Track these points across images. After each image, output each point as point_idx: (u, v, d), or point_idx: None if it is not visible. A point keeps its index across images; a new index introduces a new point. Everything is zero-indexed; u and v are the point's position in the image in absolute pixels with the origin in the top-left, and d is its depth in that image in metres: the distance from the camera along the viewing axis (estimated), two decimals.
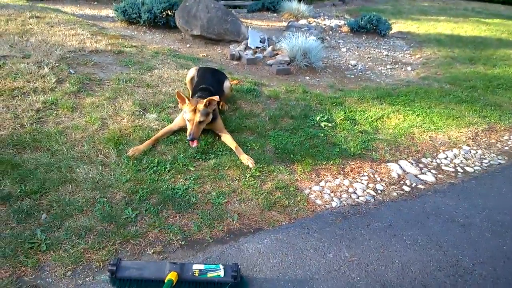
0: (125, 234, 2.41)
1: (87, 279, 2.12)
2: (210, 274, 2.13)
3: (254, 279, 2.26)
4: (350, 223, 2.89)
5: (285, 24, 9.13)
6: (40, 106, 3.53)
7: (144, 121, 3.58)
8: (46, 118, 3.42)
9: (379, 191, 3.31)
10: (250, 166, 3.27)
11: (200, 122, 3.25)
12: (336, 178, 3.40)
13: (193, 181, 2.95)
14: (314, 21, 9.79)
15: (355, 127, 4.26)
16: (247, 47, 6.27)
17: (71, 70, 4.25)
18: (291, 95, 4.83)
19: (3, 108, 3.43)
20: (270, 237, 2.62)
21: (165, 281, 2.00)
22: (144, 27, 6.66)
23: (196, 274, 2.11)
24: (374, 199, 3.21)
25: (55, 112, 3.51)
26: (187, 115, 3.24)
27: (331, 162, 3.55)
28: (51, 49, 4.66)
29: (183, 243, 2.46)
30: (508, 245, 2.76)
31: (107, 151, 3.09)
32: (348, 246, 2.63)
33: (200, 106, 3.26)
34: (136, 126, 3.48)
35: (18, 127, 3.24)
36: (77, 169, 2.84)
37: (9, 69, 3.99)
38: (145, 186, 2.80)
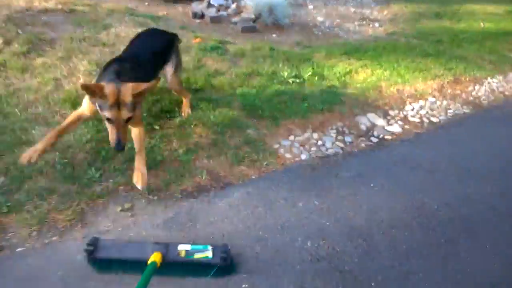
0: (89, 193, 2.41)
1: (53, 238, 2.13)
2: (197, 255, 2.03)
3: (225, 231, 2.34)
4: (319, 174, 3.00)
5: None
6: None
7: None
8: None
9: (347, 143, 3.44)
10: (138, 186, 2.33)
11: (128, 120, 2.17)
12: (305, 132, 3.50)
13: (158, 139, 2.94)
14: None
15: (323, 82, 4.34)
16: (209, 5, 6.10)
17: (19, 31, 4.02)
18: (258, 53, 4.80)
19: None
20: (240, 191, 2.69)
21: (148, 263, 1.86)
22: None
23: (182, 255, 2.01)
24: (343, 151, 3.34)
25: (4, 73, 3.35)
26: (108, 112, 2.09)
27: (300, 116, 3.63)
28: None
29: (152, 198, 2.49)
30: (471, 188, 2.97)
31: (64, 112, 3.00)
32: (317, 195, 2.75)
33: (127, 96, 2.08)
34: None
35: None
36: (33, 131, 2.76)
37: None
38: (107, 146, 2.77)
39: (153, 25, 4.90)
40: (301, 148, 3.30)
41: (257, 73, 4.24)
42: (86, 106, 2.41)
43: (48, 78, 3.35)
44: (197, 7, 5.93)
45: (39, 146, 2.26)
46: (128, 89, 2.09)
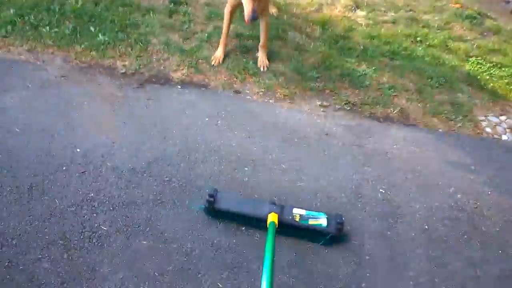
0: (305, 85, 3.14)
1: (271, 100, 2.98)
2: (311, 222, 2.02)
3: (388, 153, 2.69)
4: (510, 156, 2.87)
5: None
6: None
7: (352, 15, 4.08)
8: None
9: None
10: (261, 69, 3.19)
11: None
12: None
13: (373, 70, 3.38)
14: None
15: None
16: None
17: None
18: None
19: None
20: (421, 133, 2.95)
21: (268, 223, 1.93)
22: None
23: (297, 219, 2.02)
24: None
25: None
26: None
27: None
28: None
29: (345, 107, 3.03)
30: None
31: (315, 27, 3.78)
32: (496, 169, 2.71)
33: None
34: (344, 16, 4.02)
35: None
36: (289, 33, 3.63)
37: None
38: (332, 60, 3.39)
39: None
40: (508, 130, 3.14)
41: (502, 52, 3.97)
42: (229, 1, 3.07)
43: (315, 1, 4.17)
44: None
45: (220, 54, 3.20)
46: None
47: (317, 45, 3.55)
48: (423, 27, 4.09)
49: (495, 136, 3.06)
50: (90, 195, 2.12)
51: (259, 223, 2.01)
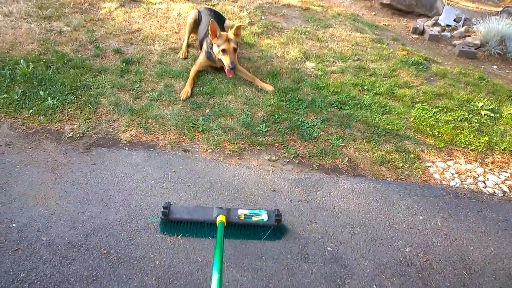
0: (254, 140, 3.12)
1: (220, 158, 2.94)
2: (254, 218, 2.26)
3: (336, 207, 2.65)
4: (459, 202, 2.87)
5: (500, 9, 7.97)
6: None
7: (301, 67, 4.18)
8: None
9: None
10: (270, 90, 3.65)
11: (234, 50, 3.51)
12: (470, 163, 3.29)
13: (321, 121, 3.41)
14: None
15: None
16: (435, 23, 5.98)
17: (262, 17, 5.17)
18: (462, 78, 4.57)
19: None
20: (369, 184, 2.90)
21: (217, 223, 2.16)
22: None
23: (242, 218, 2.24)
24: (504, 195, 3.02)
25: (239, 44, 4.46)
26: (222, 46, 3.48)
27: (472, 147, 3.42)
28: None
29: (294, 160, 3.01)
30: None
31: (265, 80, 3.83)
32: (444, 219, 2.69)
33: (231, 35, 3.53)
34: (293, 68, 4.11)
35: None
36: (239, 87, 3.69)
37: (219, 8, 5.18)
38: (281, 113, 3.43)
39: (368, 32, 5.29)
40: (456, 175, 3.16)
41: (448, 96, 4.11)
42: (200, 60, 3.76)
43: (265, 55, 4.27)
44: (420, 23, 5.92)
45: (188, 89, 3.49)
46: (228, 32, 3.58)
47: (267, 98, 3.59)
48: (370, 75, 4.22)
49: (443, 182, 3.07)
50: (21, 276, 1.98)
51: (209, 228, 2.22)
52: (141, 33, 4.41)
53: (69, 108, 3.15)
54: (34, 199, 2.39)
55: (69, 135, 2.92)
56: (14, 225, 2.22)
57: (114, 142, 2.92)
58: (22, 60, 3.47)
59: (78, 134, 2.94)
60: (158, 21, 4.75)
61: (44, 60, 3.62)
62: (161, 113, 3.23)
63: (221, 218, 2.18)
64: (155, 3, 5.21)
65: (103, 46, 4.04)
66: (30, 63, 3.49)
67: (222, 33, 3.57)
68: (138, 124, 3.11)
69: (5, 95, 3.15)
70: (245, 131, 3.20)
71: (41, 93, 3.22)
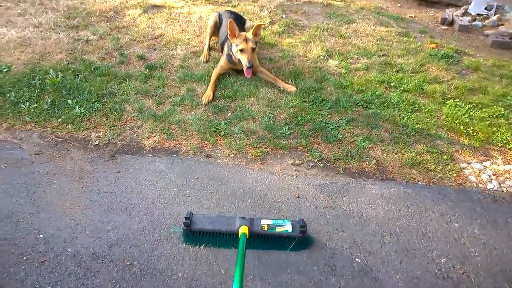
0: (276, 143, 2.97)
1: (242, 163, 2.81)
2: (278, 229, 2.13)
3: (364, 214, 2.46)
4: (498, 207, 2.61)
5: None
6: None
7: (324, 65, 3.97)
8: None
9: None
10: (293, 90, 3.49)
11: (253, 50, 3.39)
12: (508, 164, 3.00)
13: (346, 122, 3.21)
14: None
15: None
16: (465, 13, 5.56)
17: (283, 15, 4.97)
18: (497, 71, 4.20)
19: None
20: (398, 188, 2.69)
21: (239, 235, 2.04)
22: None
23: (265, 229, 2.12)
24: None
25: (260, 45, 4.30)
26: (240, 46, 3.37)
27: (510, 146, 3.12)
28: None
29: (318, 164, 2.84)
30: None
31: (287, 81, 3.66)
32: (482, 226, 2.44)
33: (249, 35, 3.41)
34: (316, 67, 3.91)
35: None
36: (261, 89, 3.54)
37: (239, 9, 5.04)
38: (304, 114, 3.26)
39: (394, 25, 4.99)
40: (493, 177, 2.88)
41: (482, 90, 3.79)
42: (222, 63, 3.63)
43: (287, 54, 4.09)
44: (449, 13, 5.53)
45: (209, 94, 3.37)
46: (248, 32, 3.49)
47: (289, 99, 3.42)
48: (397, 71, 3.95)
49: (480, 185, 2.81)
50: None
51: (232, 238, 2.09)
52: (163, 38, 4.33)
53: (95, 115, 3.12)
54: (61, 209, 2.36)
55: (95, 143, 2.88)
56: (41, 236, 2.19)
57: (138, 149, 2.86)
58: (51, 70, 3.48)
59: (103, 142, 2.89)
60: (180, 25, 4.66)
61: (72, 69, 3.61)
62: (184, 118, 3.14)
63: (243, 230, 2.07)
64: (177, 8, 5.13)
65: (128, 53, 3.99)
66: (59, 73, 3.49)
67: (240, 33, 3.44)
68: (161, 130, 3.03)
69: (36, 105, 3.16)
70: (267, 134, 3.05)
71: (69, 101, 3.20)
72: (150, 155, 2.81)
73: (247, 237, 2.05)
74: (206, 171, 2.70)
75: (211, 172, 2.70)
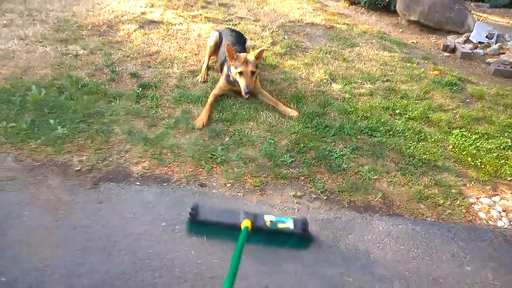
0: (277, 172, 2.75)
1: (239, 193, 2.58)
2: (280, 225, 2.16)
3: (370, 255, 2.24)
4: (510, 248, 2.41)
5: None
6: None
7: (328, 89, 3.80)
8: None
9: None
10: (295, 115, 3.28)
11: (252, 73, 3.20)
12: None
13: (350, 150, 3.02)
14: None
15: None
16: (467, 40, 5.50)
17: (285, 36, 4.84)
18: (501, 100, 4.08)
19: None
20: (407, 225, 2.48)
21: (242, 227, 2.02)
22: (363, 8, 6.70)
23: (268, 225, 2.14)
24: None
25: (262, 66, 4.13)
26: (239, 68, 3.18)
27: None
28: (276, 17, 5.38)
29: (322, 197, 2.62)
30: None
31: (288, 105, 3.47)
32: (495, 270, 2.23)
33: (250, 57, 3.22)
34: (319, 91, 3.74)
35: None
36: (261, 113, 3.34)
37: (240, 28, 4.88)
38: (307, 141, 3.05)
39: (397, 50, 4.88)
40: (503, 213, 2.69)
41: (488, 120, 3.64)
42: (220, 84, 3.45)
43: (289, 76, 3.92)
44: (451, 40, 5.46)
45: (204, 117, 3.15)
46: (249, 54, 3.26)
47: (291, 124, 3.22)
48: (402, 98, 3.80)
49: (490, 222, 2.61)
50: None
51: (235, 231, 2.00)
52: (159, 56, 4.14)
53: (79, 137, 2.87)
54: (30, 247, 2.07)
55: (77, 168, 2.62)
56: (3, 279, 1.90)
57: (124, 176, 2.61)
58: (34, 86, 3.24)
59: (86, 167, 2.64)
60: (177, 43, 4.49)
61: (57, 86, 3.38)
62: (177, 143, 2.91)
63: (246, 223, 2.04)
64: (175, 24, 4.97)
65: (120, 69, 3.79)
66: (43, 89, 3.26)
67: (240, 54, 3.27)
68: (152, 155, 2.79)
69: (13, 124, 2.90)
70: (267, 162, 2.83)
71: (51, 121, 2.95)
72: (138, 183, 2.56)
73: (249, 230, 2.02)
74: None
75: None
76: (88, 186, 2.49)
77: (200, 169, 2.73)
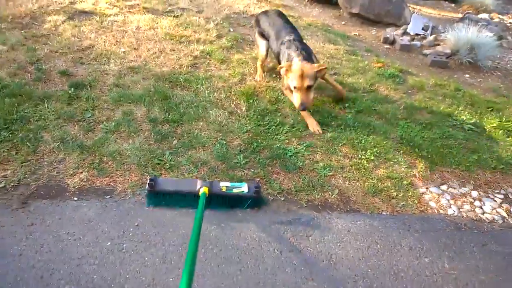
0: (231, 175, 2.60)
1: None
2: (235, 190, 2.30)
3: (333, 253, 2.19)
4: (462, 236, 2.49)
5: (460, 16, 7.94)
6: (198, 54, 4.00)
7: (277, 84, 3.70)
8: (200, 64, 3.86)
9: None
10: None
11: (308, 88, 2.93)
12: (463, 187, 2.94)
13: (304, 147, 2.95)
14: (498, 17, 8.23)
15: (509, 139, 3.54)
16: (405, 33, 5.72)
17: (230, 29, 4.65)
18: (439, 90, 4.27)
19: (170, 50, 4.01)
20: (365, 221, 2.47)
21: (200, 194, 2.16)
22: (306, 0, 6.72)
23: (224, 190, 2.28)
24: (504, 221, 2.69)
25: (208, 61, 3.93)
26: (294, 82, 2.92)
27: (463, 168, 3.07)
28: (220, 8, 5.16)
29: (279, 198, 2.52)
30: None
31: (238, 102, 3.32)
32: (450, 258, 2.29)
33: (307, 68, 2.91)
34: (269, 87, 3.63)
35: (177, 67, 3.75)
36: (210, 111, 3.15)
37: (183, 20, 4.61)
38: (260, 140, 2.93)
39: (341, 43, 4.92)
40: (452, 202, 2.80)
41: (429, 110, 3.78)
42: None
43: (237, 72, 3.76)
44: (390, 33, 5.64)
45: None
46: (313, 68, 2.94)
47: (243, 123, 3.08)
48: (349, 91, 3.81)
49: (441, 211, 2.69)
50: None
51: (193, 199, 2.16)
52: (93, 50, 3.75)
53: (1, 148, 2.48)
54: None
55: (1, 185, 2.25)
56: None
57: (59, 191, 2.29)
58: None
59: (12, 183, 2.28)
60: (113, 36, 4.11)
61: None
62: (119, 149, 2.64)
63: (204, 190, 2.18)
64: (110, 15, 4.56)
65: (47, 67, 3.36)
66: None
67: (294, 66, 2.96)
68: (90, 164, 2.49)
69: None
70: (220, 165, 2.67)
71: None
72: (76, 199, 2.27)
73: (207, 195, 2.16)
74: (149, 216, 2.23)
75: (156, 216, 2.24)
76: (15, 206, 2.15)
77: (148, 177, 2.49)
